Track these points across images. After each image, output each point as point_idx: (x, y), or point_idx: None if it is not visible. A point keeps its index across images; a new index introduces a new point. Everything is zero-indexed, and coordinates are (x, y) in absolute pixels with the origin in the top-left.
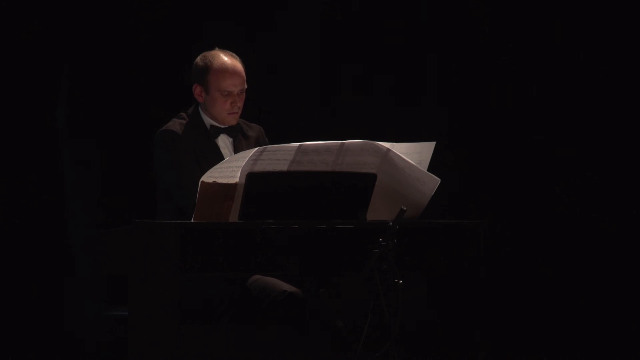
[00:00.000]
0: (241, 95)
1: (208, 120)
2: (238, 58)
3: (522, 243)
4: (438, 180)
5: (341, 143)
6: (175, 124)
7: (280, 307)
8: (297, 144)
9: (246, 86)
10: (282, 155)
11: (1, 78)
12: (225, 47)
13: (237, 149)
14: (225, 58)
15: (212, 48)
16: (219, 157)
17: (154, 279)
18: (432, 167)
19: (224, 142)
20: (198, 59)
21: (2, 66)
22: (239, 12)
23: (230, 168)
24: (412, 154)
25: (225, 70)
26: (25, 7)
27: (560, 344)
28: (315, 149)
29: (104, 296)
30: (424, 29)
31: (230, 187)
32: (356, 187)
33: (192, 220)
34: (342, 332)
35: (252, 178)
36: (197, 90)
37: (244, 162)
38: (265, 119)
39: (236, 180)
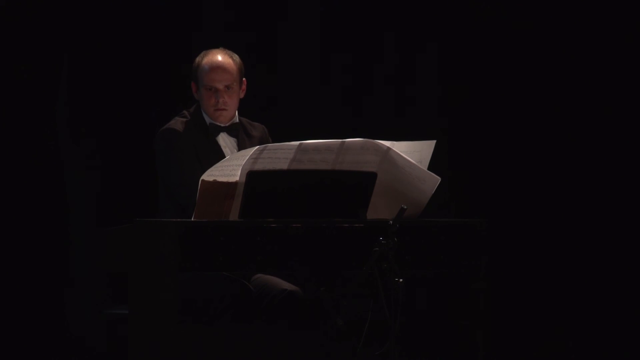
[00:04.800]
0: (229, 92)
1: (208, 119)
2: (234, 56)
3: (522, 242)
4: (438, 178)
5: (341, 142)
6: (177, 122)
7: (280, 306)
8: (298, 142)
9: (243, 86)
10: (282, 154)
11: (1, 78)
12: (226, 46)
13: (241, 149)
14: (216, 54)
15: (217, 47)
16: (220, 156)
17: (155, 278)
18: (433, 166)
19: (224, 141)
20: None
21: (2, 66)
22: (240, 11)
23: (231, 167)
24: (413, 153)
25: (210, 66)
26: (25, 6)
27: (561, 344)
28: (316, 148)
29: (104, 295)
30: (423, 29)
31: (230, 186)
32: (356, 185)
33: (192, 219)
34: (342, 331)
35: (253, 176)
36: (193, 87)
37: (245, 160)
38: (268, 118)
39: (236, 178)
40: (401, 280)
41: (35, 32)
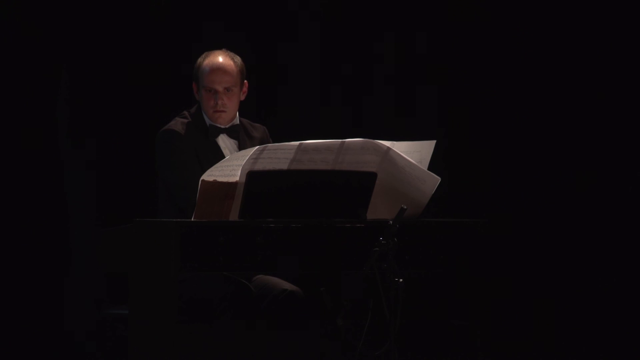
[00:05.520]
0: (228, 94)
1: (208, 120)
2: (235, 58)
3: (522, 242)
4: (438, 178)
5: (341, 142)
6: (177, 124)
7: (280, 306)
8: (298, 142)
9: (244, 88)
10: (282, 154)
11: (1, 78)
12: (227, 47)
13: (242, 150)
14: (217, 56)
15: (219, 48)
16: (220, 157)
17: (154, 278)
18: (433, 166)
19: (224, 143)
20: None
21: (2, 66)
22: (240, 11)
23: (231, 167)
24: (413, 153)
25: (211, 67)
26: (25, 7)
27: (561, 344)
28: (316, 148)
29: (104, 295)
30: (424, 29)
31: (230, 186)
32: (356, 185)
33: (192, 219)
34: (342, 331)
35: (253, 177)
36: (194, 88)
37: (245, 160)
38: (268, 118)
39: (236, 178)
40: (401, 280)
41: (36, 33)
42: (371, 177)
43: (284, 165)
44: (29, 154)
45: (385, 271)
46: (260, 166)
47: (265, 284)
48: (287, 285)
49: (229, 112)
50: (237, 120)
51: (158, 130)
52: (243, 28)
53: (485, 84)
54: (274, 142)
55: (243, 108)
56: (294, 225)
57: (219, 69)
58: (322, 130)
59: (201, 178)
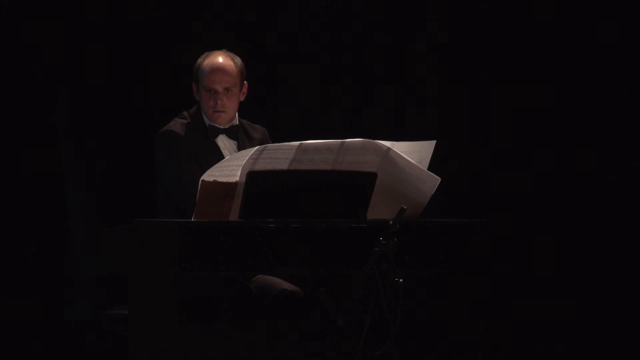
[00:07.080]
0: (228, 95)
1: (207, 120)
2: (235, 59)
3: (522, 242)
4: (438, 179)
5: (341, 142)
6: (177, 124)
7: (280, 306)
8: (298, 142)
9: (244, 89)
10: (282, 154)
11: (1, 78)
12: (226, 46)
13: (241, 151)
14: (217, 56)
15: (219, 48)
16: (219, 158)
17: (154, 278)
18: (432, 166)
19: (223, 143)
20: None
21: (2, 66)
22: (240, 11)
23: (231, 167)
24: (413, 153)
25: (211, 67)
26: (25, 7)
27: (561, 344)
28: (316, 148)
29: (104, 295)
30: (424, 29)
31: (230, 186)
32: (356, 185)
33: (192, 219)
34: (342, 331)
35: (253, 177)
36: (194, 88)
37: (245, 160)
38: (268, 119)
39: (236, 179)
40: (401, 280)
41: (35, 32)
42: (371, 177)
43: (284, 166)
44: (29, 154)
45: (385, 271)
46: (260, 166)
47: (265, 284)
48: (287, 285)
49: (228, 112)
50: (236, 121)
51: (158, 130)
52: (243, 28)
53: (485, 84)
54: (273, 142)
55: (243, 109)
56: (294, 225)
57: (219, 69)
58: (322, 130)
59: (201, 178)
